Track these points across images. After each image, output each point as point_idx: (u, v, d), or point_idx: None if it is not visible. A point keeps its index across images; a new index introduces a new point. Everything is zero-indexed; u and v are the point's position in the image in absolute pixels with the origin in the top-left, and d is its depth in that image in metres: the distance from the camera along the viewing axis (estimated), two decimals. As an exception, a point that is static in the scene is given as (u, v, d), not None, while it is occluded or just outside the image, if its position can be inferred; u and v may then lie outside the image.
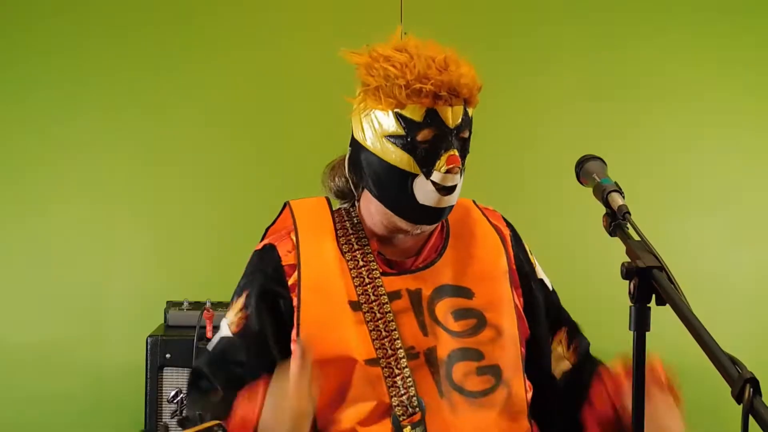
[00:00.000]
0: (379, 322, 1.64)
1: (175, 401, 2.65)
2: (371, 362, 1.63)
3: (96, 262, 3.19)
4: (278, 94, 3.25)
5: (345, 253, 1.71)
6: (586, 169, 1.58)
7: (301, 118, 3.25)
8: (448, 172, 1.62)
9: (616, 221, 1.42)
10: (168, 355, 2.67)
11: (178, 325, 2.85)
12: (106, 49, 3.21)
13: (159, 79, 3.22)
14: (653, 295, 1.24)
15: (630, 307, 1.26)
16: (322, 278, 1.69)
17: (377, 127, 1.65)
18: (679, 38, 3.33)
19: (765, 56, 3.35)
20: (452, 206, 1.68)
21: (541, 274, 1.83)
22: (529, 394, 1.72)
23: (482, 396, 1.64)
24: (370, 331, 1.64)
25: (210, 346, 1.74)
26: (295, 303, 1.67)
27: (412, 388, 1.61)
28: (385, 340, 1.63)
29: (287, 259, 1.72)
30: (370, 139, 1.67)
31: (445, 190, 1.63)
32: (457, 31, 3.34)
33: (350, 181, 1.76)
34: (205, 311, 2.73)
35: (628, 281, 1.27)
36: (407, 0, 3.26)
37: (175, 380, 2.67)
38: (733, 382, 1.05)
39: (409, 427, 1.59)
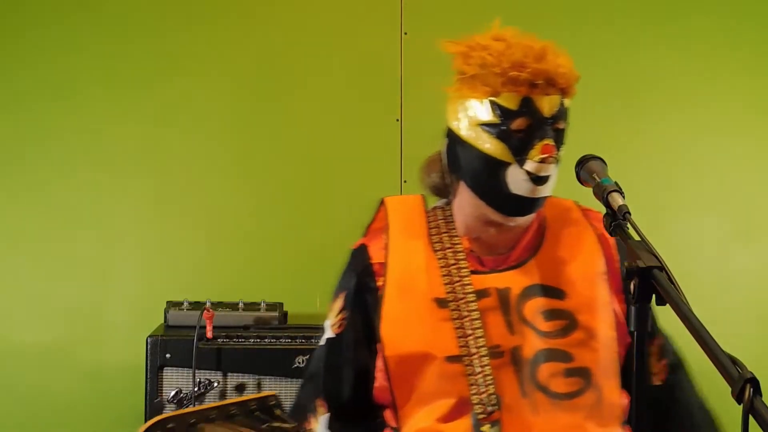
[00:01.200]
0: (465, 320, 1.64)
1: (175, 401, 2.65)
2: (453, 359, 1.63)
3: (96, 261, 3.18)
4: (277, 98, 3.24)
5: (437, 251, 1.72)
6: (586, 168, 1.58)
7: (303, 118, 3.24)
8: (542, 161, 1.60)
9: (617, 221, 1.42)
10: (168, 355, 2.67)
11: (178, 325, 2.85)
12: (106, 53, 3.20)
13: (159, 81, 3.22)
14: (653, 295, 1.24)
15: (630, 307, 1.26)
16: (408, 276, 1.71)
17: (472, 116, 1.66)
18: (678, 37, 3.32)
19: (764, 56, 3.35)
20: (545, 198, 1.66)
21: None
22: (626, 401, 1.67)
23: (568, 398, 1.61)
24: (456, 328, 1.64)
25: (318, 348, 1.83)
26: (379, 299, 1.71)
27: (492, 386, 1.60)
28: (469, 338, 1.63)
29: (378, 257, 1.76)
30: (464, 128, 1.67)
31: (539, 180, 1.61)
32: (457, 32, 3.34)
33: (445, 174, 1.76)
34: (205, 311, 2.73)
35: (628, 281, 1.27)
36: (407, 0, 3.26)
37: (175, 380, 2.67)
38: (733, 382, 1.05)
39: (488, 425, 1.59)
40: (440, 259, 1.70)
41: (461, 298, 1.65)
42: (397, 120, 3.25)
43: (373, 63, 3.27)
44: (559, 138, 1.65)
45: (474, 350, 1.62)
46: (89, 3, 3.21)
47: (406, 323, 1.68)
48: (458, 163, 1.71)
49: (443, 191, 1.80)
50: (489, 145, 1.63)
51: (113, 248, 3.19)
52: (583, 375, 1.63)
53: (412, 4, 3.26)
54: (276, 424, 1.53)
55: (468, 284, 1.67)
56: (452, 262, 1.69)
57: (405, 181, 3.24)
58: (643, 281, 1.24)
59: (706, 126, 3.33)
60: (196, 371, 2.63)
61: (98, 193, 3.19)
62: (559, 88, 1.64)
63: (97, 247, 3.18)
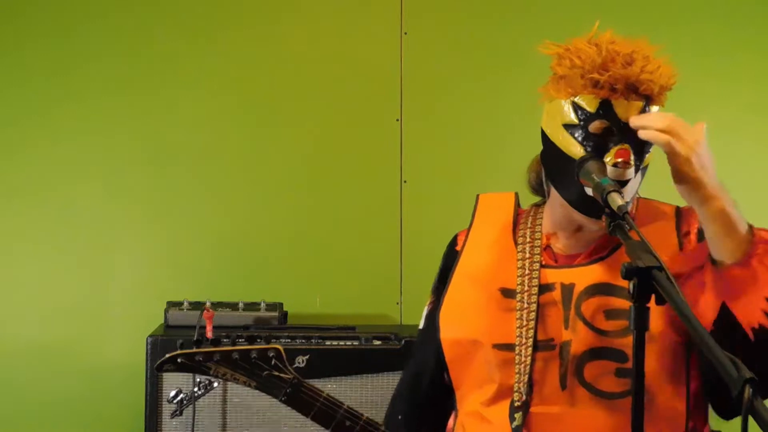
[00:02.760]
0: (524, 311, 1.66)
1: (175, 401, 2.64)
2: (505, 347, 1.66)
3: (96, 261, 3.18)
4: (277, 98, 3.24)
5: (518, 244, 1.75)
6: (585, 168, 1.57)
7: (303, 118, 3.25)
8: (615, 165, 1.59)
9: (616, 221, 1.42)
10: (168, 355, 2.66)
11: (178, 325, 2.85)
12: (104, 57, 3.20)
13: (159, 81, 3.22)
14: (653, 295, 1.24)
15: (630, 306, 1.26)
16: (480, 265, 1.76)
17: (557, 117, 1.66)
18: (679, 38, 3.32)
19: (765, 57, 3.35)
20: (626, 203, 1.58)
21: None
22: (682, 407, 1.63)
23: (613, 398, 1.60)
24: (516, 318, 1.67)
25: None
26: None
27: (527, 376, 1.62)
28: (523, 329, 1.65)
29: (460, 246, 1.82)
30: (551, 128, 1.68)
31: (615, 184, 1.55)
32: (457, 32, 3.35)
33: (542, 174, 1.77)
34: (205, 311, 2.73)
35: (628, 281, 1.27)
36: (407, 0, 3.26)
37: (175, 380, 2.66)
38: (733, 382, 1.05)
39: (520, 413, 1.61)
40: (519, 252, 1.74)
41: (526, 290, 1.68)
42: (397, 120, 3.25)
43: (373, 63, 3.27)
44: (643, 144, 1.62)
45: (524, 341, 1.65)
46: (93, 6, 3.21)
47: (462, 309, 1.73)
48: (547, 163, 1.73)
49: (539, 190, 1.83)
50: (569, 146, 1.64)
51: (113, 248, 3.19)
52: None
53: (412, 4, 3.27)
54: (275, 373, 1.71)
55: (535, 278, 1.69)
56: (528, 255, 1.72)
57: (405, 181, 3.24)
58: (643, 281, 1.24)
59: (710, 129, 3.32)
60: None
61: (99, 194, 3.19)
62: (642, 95, 1.63)
63: (97, 247, 3.18)
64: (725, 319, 1.52)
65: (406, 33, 3.27)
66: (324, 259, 3.23)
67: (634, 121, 1.58)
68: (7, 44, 3.19)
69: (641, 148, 1.63)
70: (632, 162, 1.61)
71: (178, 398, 2.64)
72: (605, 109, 1.61)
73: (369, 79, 3.27)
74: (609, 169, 1.59)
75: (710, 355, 1.10)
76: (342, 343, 2.75)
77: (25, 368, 3.14)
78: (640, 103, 1.63)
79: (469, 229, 1.84)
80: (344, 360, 2.71)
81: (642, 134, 1.54)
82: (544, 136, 1.72)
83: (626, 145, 1.60)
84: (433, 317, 1.80)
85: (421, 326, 1.89)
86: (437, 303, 1.80)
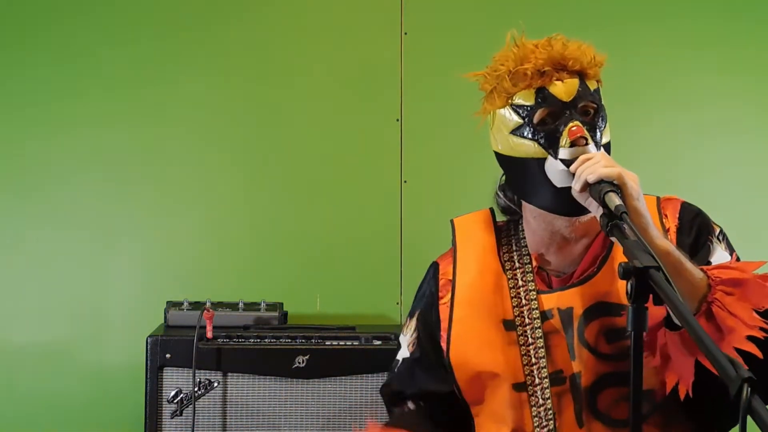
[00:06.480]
0: (530, 347, 1.60)
1: (175, 401, 2.65)
2: (518, 387, 1.61)
3: (96, 262, 3.18)
4: (277, 98, 3.24)
5: (506, 270, 1.68)
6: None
7: (302, 121, 3.24)
8: (572, 145, 1.55)
9: (613, 221, 1.42)
10: (168, 355, 2.67)
11: (178, 325, 2.85)
12: (105, 52, 3.20)
13: (159, 81, 3.21)
14: (650, 295, 1.24)
15: (627, 306, 1.26)
16: (478, 294, 1.69)
17: (502, 129, 1.64)
18: (681, 35, 3.31)
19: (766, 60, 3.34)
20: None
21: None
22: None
23: (628, 425, 1.53)
24: (522, 355, 1.60)
25: (394, 366, 1.82)
26: (443, 316, 1.70)
27: (552, 422, 1.56)
28: (534, 366, 1.59)
29: (447, 275, 1.74)
30: (500, 143, 1.65)
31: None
32: (457, 32, 3.35)
33: (508, 194, 1.73)
34: (205, 311, 2.73)
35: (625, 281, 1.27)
36: (407, 0, 3.26)
37: (175, 380, 2.67)
38: (731, 382, 1.05)
39: None
40: (510, 279, 1.67)
41: (528, 323, 1.61)
42: (397, 120, 3.25)
43: (373, 63, 3.27)
44: (594, 120, 1.60)
45: (538, 381, 1.58)
46: (89, 5, 3.21)
47: (476, 343, 1.66)
48: (510, 180, 1.69)
49: (510, 210, 1.78)
50: (522, 148, 1.60)
51: (113, 248, 3.19)
52: (647, 398, 1.54)
53: (412, 4, 3.26)
54: None
55: (535, 308, 1.62)
56: (521, 283, 1.65)
57: (405, 181, 3.24)
58: (641, 281, 1.24)
59: (708, 125, 3.32)
60: (196, 371, 2.63)
61: (98, 193, 3.19)
62: (574, 71, 1.61)
63: (97, 247, 3.18)
64: (703, 377, 1.45)
65: (406, 33, 3.27)
66: (324, 259, 3.23)
67: (576, 168, 1.52)
68: (6, 39, 3.18)
69: (592, 123, 1.60)
70: (596, 139, 1.58)
71: (178, 398, 2.64)
72: (543, 96, 1.59)
73: (369, 79, 3.26)
74: (567, 151, 1.56)
75: (708, 355, 1.10)
76: (342, 343, 2.74)
77: (25, 368, 3.14)
78: (575, 80, 1.60)
79: (454, 258, 1.75)
80: (344, 360, 2.70)
81: (591, 178, 1.48)
82: (498, 157, 1.68)
83: (576, 122, 1.57)
84: (427, 348, 1.73)
85: (406, 354, 1.79)
86: (431, 335, 1.73)
